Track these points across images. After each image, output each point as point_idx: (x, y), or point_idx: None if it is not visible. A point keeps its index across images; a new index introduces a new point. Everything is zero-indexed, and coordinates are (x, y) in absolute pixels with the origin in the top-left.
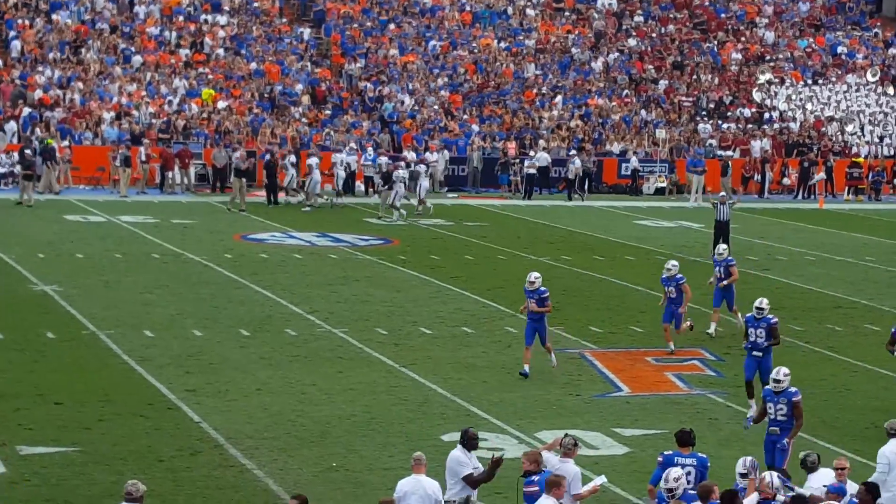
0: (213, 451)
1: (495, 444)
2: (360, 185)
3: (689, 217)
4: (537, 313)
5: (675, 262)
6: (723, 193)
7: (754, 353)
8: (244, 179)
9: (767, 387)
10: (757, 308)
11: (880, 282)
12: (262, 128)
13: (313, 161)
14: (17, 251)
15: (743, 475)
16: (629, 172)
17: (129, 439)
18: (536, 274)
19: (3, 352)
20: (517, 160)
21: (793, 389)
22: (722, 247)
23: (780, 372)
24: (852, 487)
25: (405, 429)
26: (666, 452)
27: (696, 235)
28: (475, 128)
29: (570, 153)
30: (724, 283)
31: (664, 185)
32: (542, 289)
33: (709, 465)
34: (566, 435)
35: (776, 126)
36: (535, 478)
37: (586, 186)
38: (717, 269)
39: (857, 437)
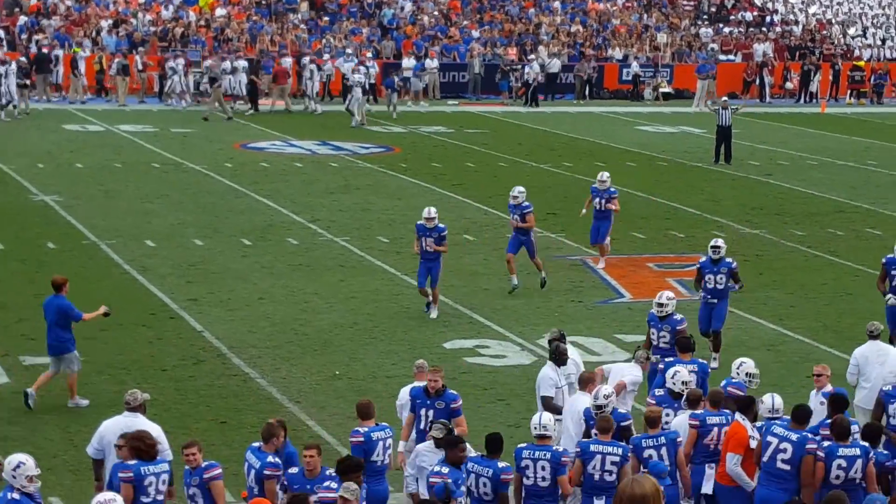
0: (215, 360)
1: (498, 352)
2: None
3: (690, 122)
4: (523, 229)
5: (521, 189)
6: (724, 98)
7: (710, 300)
8: (221, 87)
9: (652, 311)
10: (713, 247)
11: (882, 185)
12: (260, 35)
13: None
14: (17, 162)
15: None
16: (630, 78)
17: (132, 349)
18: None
19: (4, 262)
20: (519, 66)
21: (678, 317)
22: (604, 174)
23: (663, 296)
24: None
25: (408, 336)
26: (667, 359)
27: (698, 141)
28: (475, 34)
29: (530, 56)
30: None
31: (667, 90)
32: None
33: (709, 370)
34: (638, 348)
35: (778, 30)
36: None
37: (589, 92)
38: (596, 198)
39: (859, 341)
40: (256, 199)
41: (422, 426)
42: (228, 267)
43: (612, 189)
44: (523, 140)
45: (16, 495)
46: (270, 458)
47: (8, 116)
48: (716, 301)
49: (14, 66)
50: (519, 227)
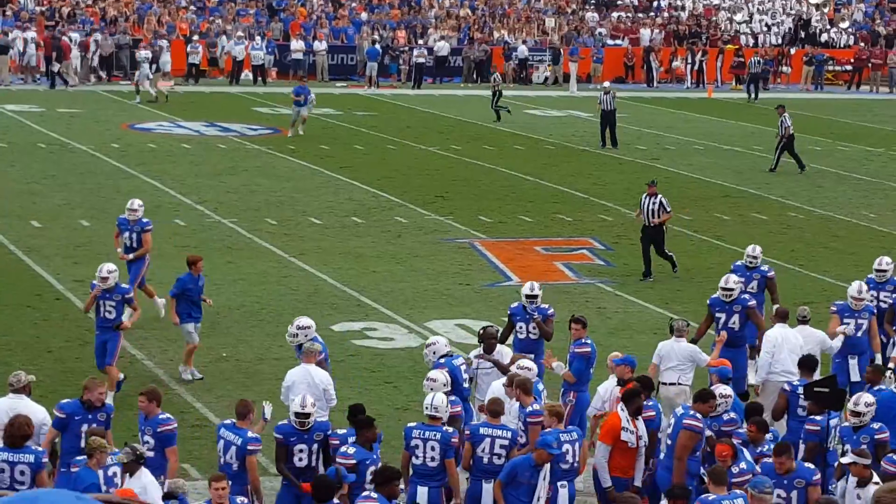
0: None
1: (385, 335)
2: (247, 74)
3: (577, 106)
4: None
5: (140, 202)
6: (606, 84)
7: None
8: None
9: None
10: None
11: (766, 171)
12: (147, 15)
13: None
14: None
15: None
16: (518, 62)
17: (17, 330)
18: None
19: None
20: (406, 49)
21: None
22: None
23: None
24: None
25: None
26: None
27: (586, 125)
28: (364, 16)
29: (420, 41)
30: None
31: (549, 74)
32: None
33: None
34: (672, 319)
35: (665, 15)
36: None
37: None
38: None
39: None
40: (144, 181)
41: None
42: (115, 248)
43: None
44: (412, 123)
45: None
46: (251, 434)
47: None
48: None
49: None
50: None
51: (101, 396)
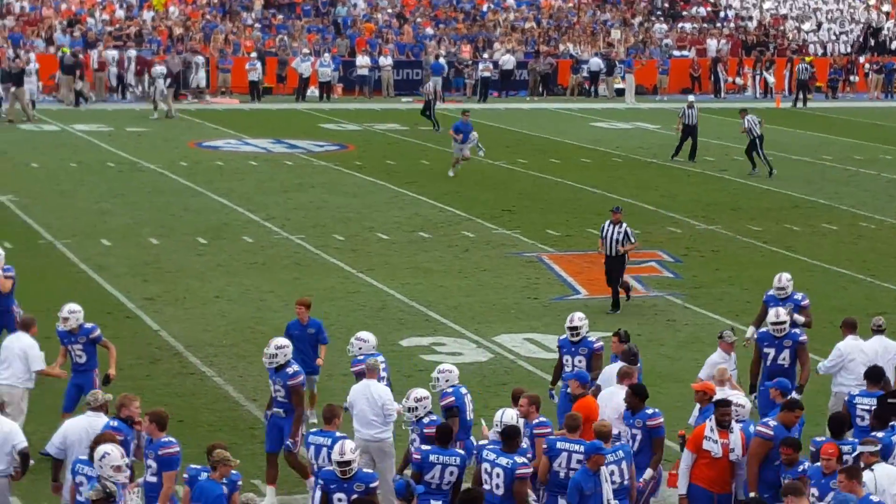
0: (172, 358)
1: (454, 349)
2: (313, 91)
3: (645, 118)
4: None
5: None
6: (691, 98)
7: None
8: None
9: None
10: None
11: (837, 180)
12: (213, 33)
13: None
14: None
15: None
16: (585, 74)
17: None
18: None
19: None
20: (472, 63)
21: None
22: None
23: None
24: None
25: None
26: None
27: (653, 137)
28: (429, 31)
29: (485, 55)
30: None
31: (621, 86)
32: None
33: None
34: (722, 333)
35: (732, 25)
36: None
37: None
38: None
39: (814, 337)
40: (211, 198)
41: None
42: (184, 266)
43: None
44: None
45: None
46: (339, 434)
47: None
48: None
49: None
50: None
51: (137, 411)
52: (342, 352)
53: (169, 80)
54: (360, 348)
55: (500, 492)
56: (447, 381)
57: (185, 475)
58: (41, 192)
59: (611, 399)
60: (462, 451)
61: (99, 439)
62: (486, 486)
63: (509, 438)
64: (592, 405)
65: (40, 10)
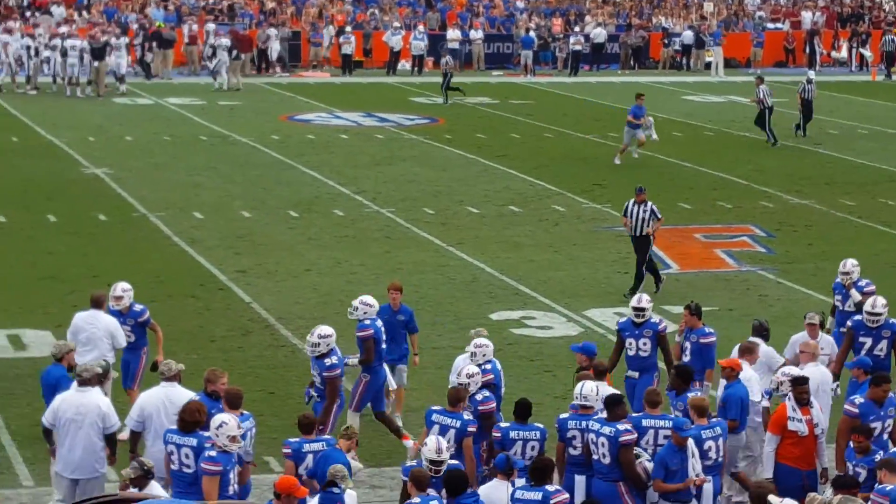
0: (263, 331)
1: (544, 323)
2: (405, 64)
3: (738, 91)
4: None
5: None
6: (811, 73)
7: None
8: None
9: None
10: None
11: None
12: (305, 7)
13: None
14: (68, 135)
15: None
16: (677, 48)
17: (182, 320)
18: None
19: (57, 235)
20: (562, 36)
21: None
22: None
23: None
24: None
25: (454, 308)
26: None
27: (745, 110)
28: (520, 4)
29: (576, 28)
30: None
31: (711, 59)
32: None
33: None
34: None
35: None
36: None
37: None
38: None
39: None
40: (303, 171)
41: None
42: (276, 238)
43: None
44: (568, 111)
45: (213, 453)
46: (467, 415)
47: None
48: None
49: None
50: None
51: (223, 386)
52: (433, 325)
53: (235, 52)
54: (365, 312)
55: (608, 461)
56: (484, 355)
57: (287, 449)
58: (135, 166)
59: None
60: (541, 425)
61: (188, 409)
62: (595, 456)
63: (611, 407)
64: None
65: None
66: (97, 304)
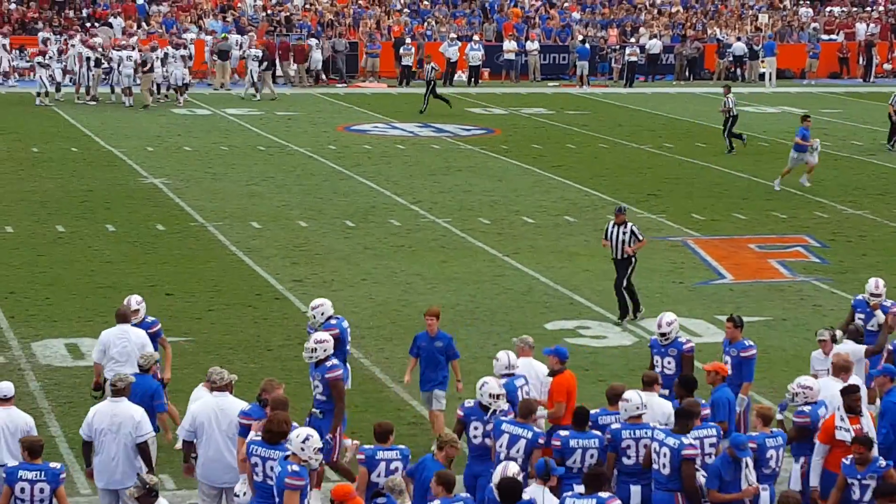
0: None
1: (598, 333)
2: (461, 75)
3: (792, 102)
4: None
5: None
6: None
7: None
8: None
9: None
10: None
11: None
12: (362, 18)
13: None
14: (127, 144)
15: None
16: (731, 58)
17: (239, 329)
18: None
19: (115, 244)
20: (618, 47)
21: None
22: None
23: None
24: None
25: (509, 318)
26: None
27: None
28: (576, 15)
29: (632, 39)
30: None
31: (765, 70)
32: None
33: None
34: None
35: (881, 8)
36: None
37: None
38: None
39: None
40: (359, 181)
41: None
42: (332, 248)
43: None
44: (623, 121)
45: (296, 467)
46: (537, 427)
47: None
48: None
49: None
50: None
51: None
52: (488, 335)
53: (266, 64)
54: (323, 313)
55: (667, 472)
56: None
57: (362, 455)
58: (193, 175)
59: (826, 391)
60: (600, 433)
61: (276, 420)
62: (655, 466)
63: (680, 418)
64: (572, 381)
65: None
66: (124, 318)
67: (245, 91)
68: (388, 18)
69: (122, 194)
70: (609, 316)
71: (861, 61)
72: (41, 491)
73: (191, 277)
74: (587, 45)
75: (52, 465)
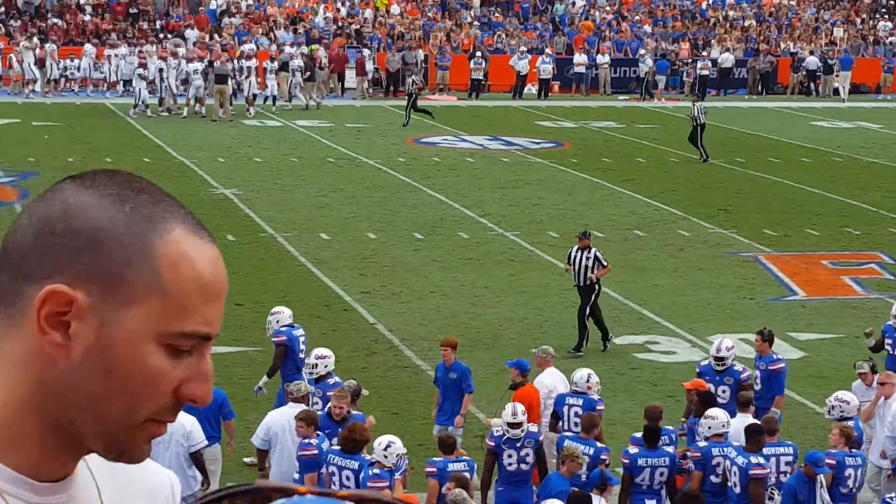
0: (387, 351)
1: (667, 348)
2: (531, 88)
3: (867, 117)
4: None
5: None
6: None
7: None
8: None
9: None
10: None
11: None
12: (432, 31)
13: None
14: (198, 155)
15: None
16: (805, 73)
17: (308, 340)
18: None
19: None
20: (690, 61)
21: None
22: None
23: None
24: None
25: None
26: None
27: (875, 136)
28: (647, 29)
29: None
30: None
31: (838, 84)
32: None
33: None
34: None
35: None
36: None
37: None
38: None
39: None
40: (428, 194)
41: None
42: (401, 260)
43: None
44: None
45: (377, 470)
46: (600, 444)
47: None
48: None
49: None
50: None
51: (343, 406)
52: (556, 349)
53: (308, 73)
54: (278, 321)
55: (738, 490)
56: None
57: (432, 468)
58: (263, 186)
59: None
60: (672, 451)
61: (357, 428)
62: (729, 484)
63: (750, 436)
64: (534, 394)
65: (265, 7)
66: None
67: (297, 103)
68: (460, 31)
69: (194, 205)
70: (678, 331)
71: None
72: None
73: (260, 288)
74: (649, 60)
75: None
